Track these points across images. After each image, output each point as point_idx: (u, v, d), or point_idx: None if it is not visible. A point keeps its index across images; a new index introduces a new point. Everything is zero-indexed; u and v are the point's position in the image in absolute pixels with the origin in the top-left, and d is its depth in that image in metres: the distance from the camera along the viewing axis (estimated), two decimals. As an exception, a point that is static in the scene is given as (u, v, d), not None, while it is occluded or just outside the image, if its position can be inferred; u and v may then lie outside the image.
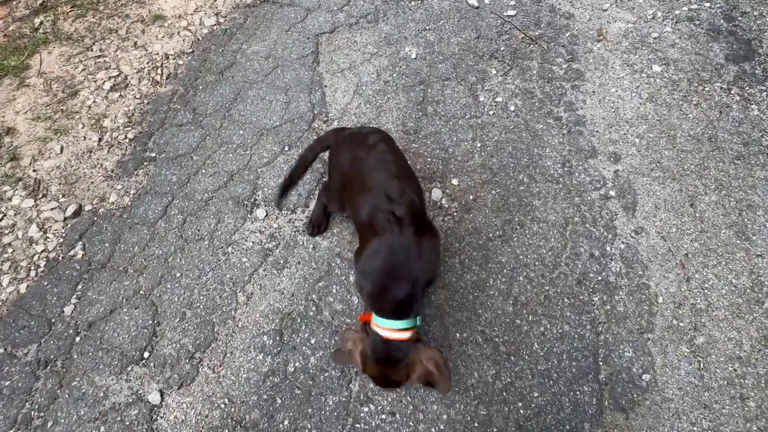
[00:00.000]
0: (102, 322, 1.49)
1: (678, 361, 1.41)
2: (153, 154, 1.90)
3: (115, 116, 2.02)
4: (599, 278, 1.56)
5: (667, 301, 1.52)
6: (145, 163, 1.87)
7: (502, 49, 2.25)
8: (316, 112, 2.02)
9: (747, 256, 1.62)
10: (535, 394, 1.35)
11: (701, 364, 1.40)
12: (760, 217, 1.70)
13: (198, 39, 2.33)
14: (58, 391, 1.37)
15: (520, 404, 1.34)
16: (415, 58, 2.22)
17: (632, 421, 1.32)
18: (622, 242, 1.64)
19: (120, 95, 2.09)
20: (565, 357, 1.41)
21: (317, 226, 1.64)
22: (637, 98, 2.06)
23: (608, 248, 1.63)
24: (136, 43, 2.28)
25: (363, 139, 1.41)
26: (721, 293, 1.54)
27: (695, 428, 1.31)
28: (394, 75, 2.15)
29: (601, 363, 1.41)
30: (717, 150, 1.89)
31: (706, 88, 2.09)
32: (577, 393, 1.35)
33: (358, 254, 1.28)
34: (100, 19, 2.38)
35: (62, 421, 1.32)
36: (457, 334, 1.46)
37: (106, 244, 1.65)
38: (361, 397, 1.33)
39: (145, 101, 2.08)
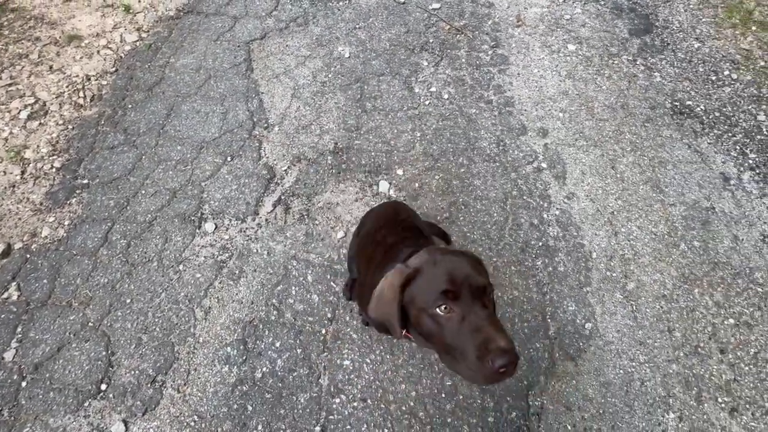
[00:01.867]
0: (50, 361, 1.41)
1: (614, 308, 1.56)
2: (85, 181, 1.81)
3: (38, 146, 1.90)
4: (540, 244, 1.69)
5: (600, 255, 1.68)
6: (77, 191, 1.78)
7: (431, 41, 2.35)
8: (255, 119, 2.01)
9: (662, 206, 1.82)
10: (494, 358, 1.45)
11: (634, 307, 1.57)
12: (670, 171, 1.91)
13: (121, 57, 2.23)
14: (9, 442, 1.28)
15: (481, 370, 1.43)
16: (349, 56, 2.26)
17: (581, 367, 1.45)
18: (557, 209, 1.79)
19: (40, 123, 1.96)
20: (517, 320, 1.52)
21: None
22: (557, 76, 2.23)
23: (545, 216, 1.77)
24: (51, 67, 2.15)
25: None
26: (644, 242, 1.72)
27: (634, 363, 1.46)
28: (330, 75, 2.18)
29: (549, 320, 1.53)
30: (629, 116, 2.09)
31: (615, 62, 2.30)
32: (531, 350, 1.47)
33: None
34: (6, 44, 2.21)
35: (17, 472, 1.24)
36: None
37: (44, 281, 1.56)
38: (332, 390, 1.37)
39: (70, 127, 1.97)
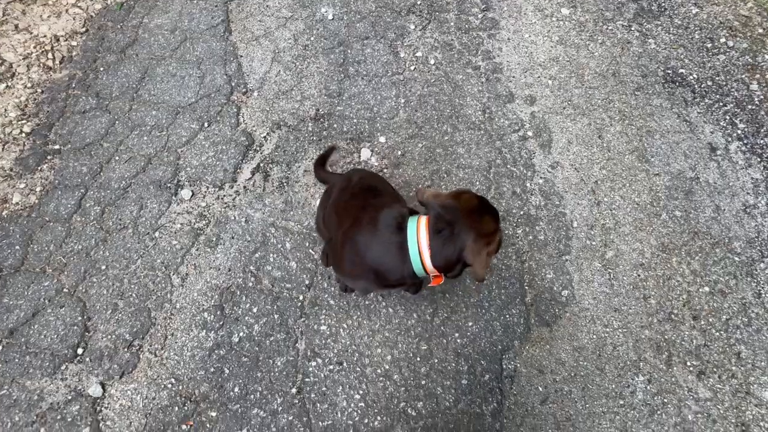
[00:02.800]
0: (25, 326, 1.41)
1: (592, 275, 1.57)
2: (56, 147, 1.75)
3: (5, 110, 1.82)
4: (521, 213, 1.68)
5: (581, 224, 1.67)
6: (48, 157, 1.72)
7: (419, 3, 2.25)
8: (233, 84, 1.93)
9: (647, 176, 1.80)
10: (470, 324, 1.46)
11: (611, 275, 1.58)
12: (657, 141, 1.88)
13: (91, 16, 2.11)
14: (-13, 403, 1.30)
15: (456, 335, 1.44)
16: (332, 18, 2.16)
17: (555, 333, 1.47)
18: (540, 178, 1.77)
19: (7, 86, 1.88)
20: (494, 287, 1.53)
21: None
22: (549, 41, 2.15)
23: (528, 185, 1.75)
24: (17, 26, 2.03)
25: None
26: (626, 211, 1.71)
27: (608, 329, 1.49)
28: (312, 38, 2.09)
29: (526, 287, 1.54)
30: (620, 84, 2.04)
31: (610, 27, 2.22)
32: (507, 316, 1.48)
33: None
34: (-32, 2, 2.08)
35: (-3, 432, 1.27)
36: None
37: (17, 247, 1.53)
38: (308, 354, 1.38)
39: (39, 90, 1.89)
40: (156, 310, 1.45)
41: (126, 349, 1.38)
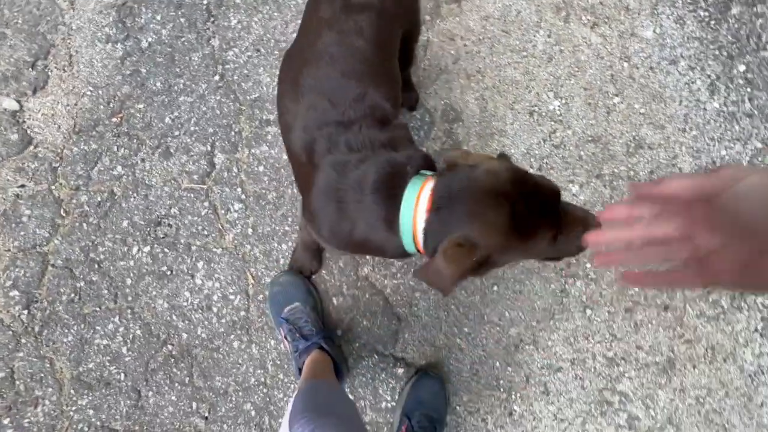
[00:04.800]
0: None
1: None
2: None
3: None
4: None
5: None
6: None
7: None
8: None
9: None
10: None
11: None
12: None
13: None
14: None
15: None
16: None
17: (464, 6, 1.54)
18: None
19: None
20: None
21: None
22: None
23: None
24: None
25: None
26: None
27: (512, -3, 1.57)
28: None
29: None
30: None
31: None
32: None
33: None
34: None
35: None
36: None
37: None
38: (224, 46, 1.39)
39: None
40: (51, 33, 1.36)
41: (31, 69, 1.33)
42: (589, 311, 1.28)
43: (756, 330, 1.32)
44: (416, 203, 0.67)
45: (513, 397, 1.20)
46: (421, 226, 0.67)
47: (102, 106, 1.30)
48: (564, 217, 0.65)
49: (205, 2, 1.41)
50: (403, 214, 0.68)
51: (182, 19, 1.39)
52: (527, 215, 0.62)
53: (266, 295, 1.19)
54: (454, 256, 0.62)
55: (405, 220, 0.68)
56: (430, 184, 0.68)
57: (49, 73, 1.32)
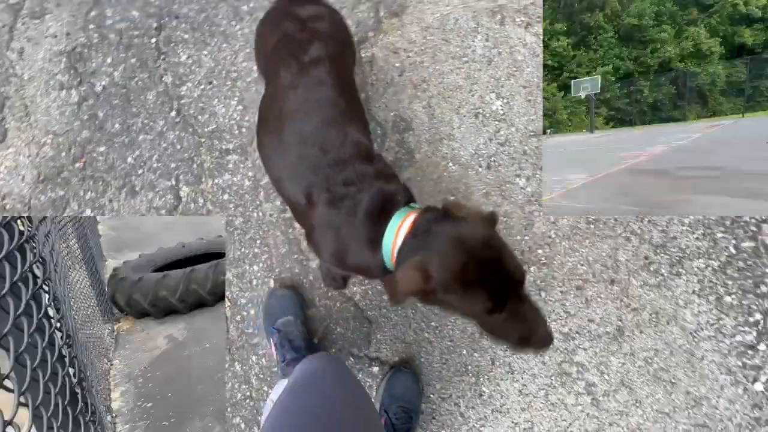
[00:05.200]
0: None
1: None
2: None
3: None
4: None
5: None
6: None
7: None
8: None
9: None
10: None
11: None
12: None
13: None
14: None
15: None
16: None
17: (404, 19, 1.62)
18: None
19: None
20: (342, -8, 1.60)
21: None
22: None
23: None
24: None
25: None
26: None
27: (449, 7, 1.66)
28: None
29: (371, -13, 1.63)
30: None
31: None
32: (358, 13, 1.60)
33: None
34: None
35: None
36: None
37: None
38: (177, 83, 1.44)
39: None
40: (3, 86, 1.40)
41: (-12, 124, 1.37)
42: (543, 293, 1.40)
43: (693, 292, 1.46)
44: (399, 227, 0.77)
45: (481, 379, 1.31)
46: (399, 246, 0.76)
47: (64, 153, 1.35)
48: (517, 302, 0.69)
49: (153, 41, 1.46)
50: (386, 234, 0.78)
51: (133, 60, 1.44)
52: (476, 273, 0.67)
53: (244, 315, 1.27)
54: (409, 275, 0.69)
55: (387, 240, 0.78)
56: (414, 215, 0.78)
57: (7, 126, 1.36)
